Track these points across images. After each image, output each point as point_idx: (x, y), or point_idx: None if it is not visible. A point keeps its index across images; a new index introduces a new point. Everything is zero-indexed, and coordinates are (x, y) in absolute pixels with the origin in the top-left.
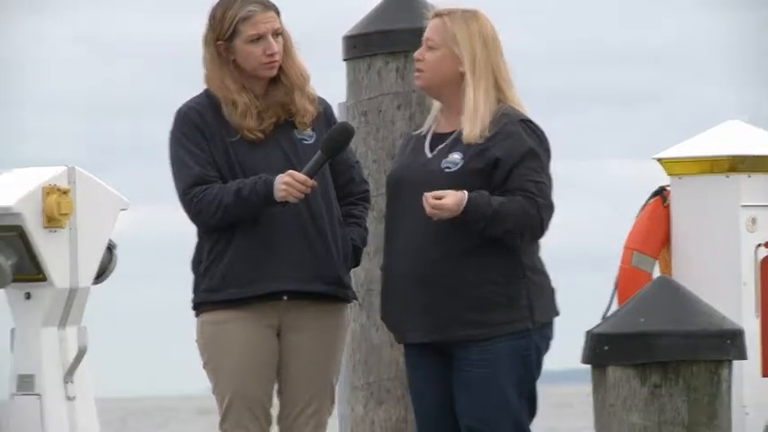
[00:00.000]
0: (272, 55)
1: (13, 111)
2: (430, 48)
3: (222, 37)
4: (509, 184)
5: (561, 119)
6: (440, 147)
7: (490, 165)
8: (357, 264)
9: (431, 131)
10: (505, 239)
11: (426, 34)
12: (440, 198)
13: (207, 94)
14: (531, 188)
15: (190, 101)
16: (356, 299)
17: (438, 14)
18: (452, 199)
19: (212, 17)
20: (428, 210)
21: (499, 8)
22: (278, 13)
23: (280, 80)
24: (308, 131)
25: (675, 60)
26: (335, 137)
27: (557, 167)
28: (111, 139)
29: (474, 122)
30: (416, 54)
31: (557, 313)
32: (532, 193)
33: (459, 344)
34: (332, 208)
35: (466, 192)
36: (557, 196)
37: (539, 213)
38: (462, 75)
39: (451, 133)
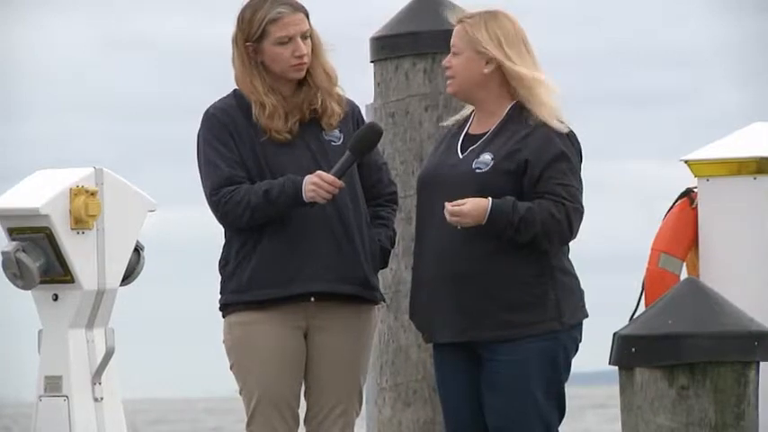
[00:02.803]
0: (300, 57)
1: (40, 113)
2: (455, 54)
3: (251, 38)
4: (539, 186)
5: (588, 120)
6: (471, 147)
7: (521, 166)
8: (385, 265)
9: (463, 132)
10: (535, 244)
11: (452, 41)
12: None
13: (235, 95)
14: (560, 192)
15: (218, 102)
16: (384, 300)
17: (460, 20)
18: (471, 205)
19: (241, 18)
20: (448, 218)
21: (526, 8)
22: (307, 14)
23: (307, 81)
24: (336, 132)
25: (703, 62)
26: (364, 137)
27: (585, 169)
28: (140, 141)
29: (535, 105)
30: (444, 62)
31: (586, 315)
32: (561, 197)
33: (487, 344)
34: (360, 209)
35: (490, 198)
36: (585, 198)
37: (567, 218)
38: (488, 76)
39: (483, 135)
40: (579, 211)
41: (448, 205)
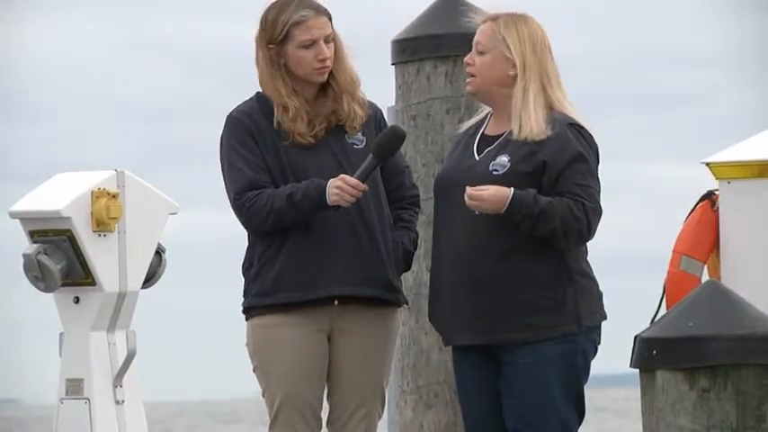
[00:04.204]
0: (323, 60)
1: (62, 114)
2: (480, 52)
3: (274, 40)
4: (557, 187)
5: (607, 122)
6: (488, 149)
7: (538, 168)
8: (408, 268)
9: (479, 134)
10: (552, 240)
11: (476, 38)
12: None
13: (257, 99)
14: (578, 192)
15: (241, 105)
16: (407, 303)
17: (488, 19)
18: (492, 191)
19: (264, 19)
20: (467, 201)
21: (548, 10)
22: (330, 18)
23: (330, 85)
24: (359, 136)
25: (724, 64)
26: (386, 141)
27: (603, 171)
28: (162, 143)
29: (525, 121)
30: (467, 59)
31: (604, 317)
32: (580, 197)
33: (505, 347)
34: (383, 212)
35: (512, 188)
36: (603, 199)
37: (586, 216)
38: (513, 78)
39: (500, 136)
40: (597, 212)
41: (469, 189)
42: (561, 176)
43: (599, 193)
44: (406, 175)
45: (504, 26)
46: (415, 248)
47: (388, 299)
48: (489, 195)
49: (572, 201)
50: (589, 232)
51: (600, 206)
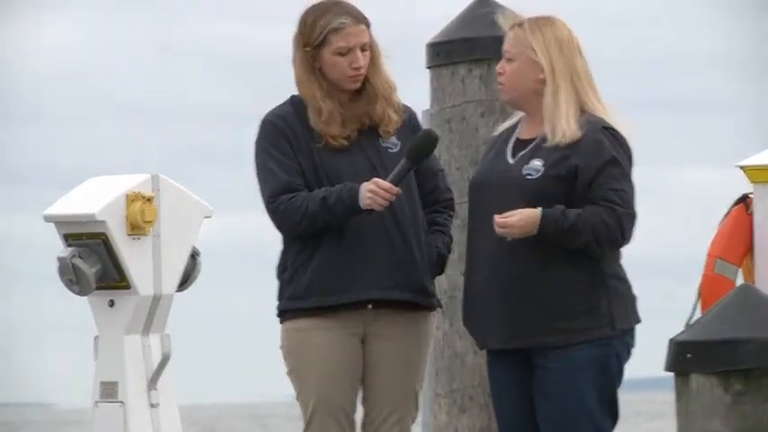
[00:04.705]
0: (357, 69)
1: (96, 118)
2: (508, 60)
3: (310, 44)
4: (591, 192)
5: (640, 125)
6: (521, 153)
7: (571, 172)
8: (442, 271)
9: (513, 137)
10: (586, 250)
11: (504, 46)
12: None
13: (292, 102)
14: (612, 197)
15: (275, 109)
16: (440, 306)
17: (514, 25)
18: (520, 216)
19: (303, 22)
20: (497, 230)
21: (577, 14)
22: (368, 25)
23: (365, 89)
24: (393, 139)
25: (757, 67)
26: (420, 145)
27: (638, 174)
28: (197, 146)
29: (557, 125)
30: (498, 68)
31: (638, 321)
32: (613, 202)
33: (538, 351)
34: (417, 216)
35: (540, 209)
36: (640, 203)
37: (618, 223)
38: (542, 82)
39: (533, 140)
40: (632, 216)
41: (497, 217)
42: (594, 182)
43: (633, 196)
44: (440, 178)
45: (529, 31)
46: (449, 252)
47: (422, 302)
48: (518, 221)
49: (604, 208)
50: (624, 238)
51: (634, 210)
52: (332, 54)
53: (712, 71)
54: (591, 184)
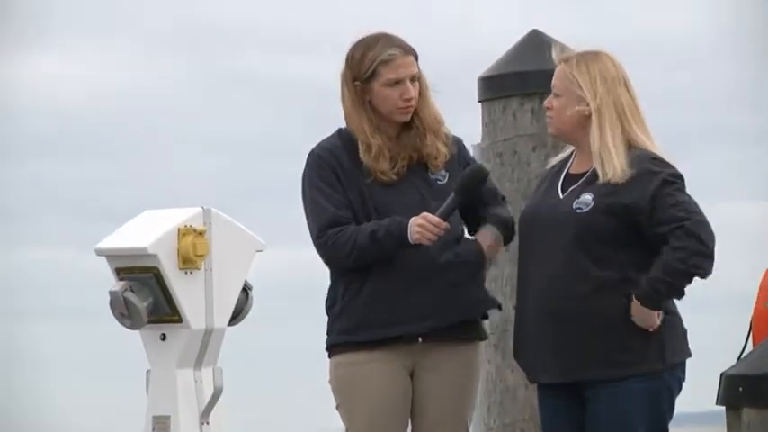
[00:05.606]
0: (408, 100)
1: (148, 152)
2: (556, 95)
3: (360, 78)
4: (654, 218)
5: (689, 159)
6: (572, 188)
7: (623, 207)
8: (512, 233)
9: (564, 172)
10: (692, 279)
11: (552, 81)
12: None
13: (339, 135)
14: (675, 214)
15: (323, 142)
16: (486, 338)
17: (561, 60)
18: (637, 316)
19: (351, 57)
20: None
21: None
22: (416, 57)
23: (414, 123)
24: (442, 172)
25: None
26: (469, 179)
27: None
28: (249, 179)
29: (607, 162)
30: (546, 103)
31: (689, 354)
32: (680, 219)
33: (590, 384)
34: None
35: (636, 302)
36: None
37: (692, 237)
38: (589, 117)
39: (584, 174)
40: (702, 222)
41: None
42: (655, 208)
43: (696, 203)
44: (499, 194)
45: (575, 66)
46: (511, 216)
47: (472, 333)
48: (640, 322)
49: (671, 238)
50: (706, 245)
51: (702, 215)
52: (382, 86)
53: None
54: (652, 212)
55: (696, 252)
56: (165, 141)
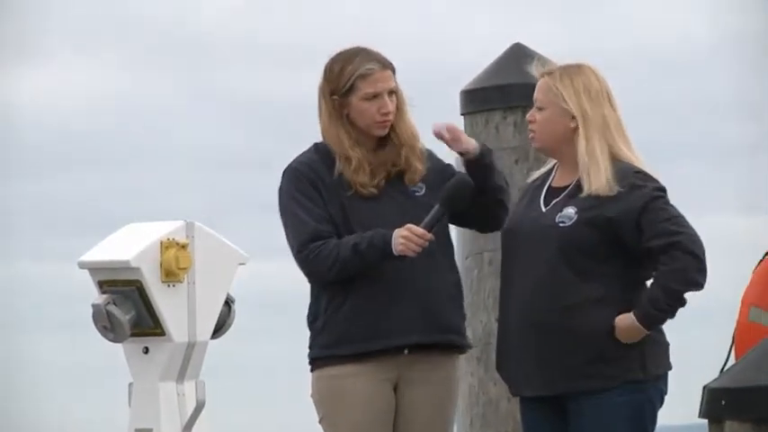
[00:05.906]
0: (386, 114)
1: (132, 165)
2: (539, 108)
3: (338, 91)
4: (644, 233)
5: (671, 171)
6: (555, 201)
7: (604, 222)
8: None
9: (547, 185)
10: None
11: (535, 95)
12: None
13: (316, 149)
14: (667, 228)
15: (300, 156)
16: (470, 347)
17: (544, 74)
18: (623, 333)
19: (329, 70)
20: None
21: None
22: (394, 71)
23: (390, 138)
24: (419, 184)
25: None
26: (454, 191)
27: None
28: (230, 192)
29: (594, 176)
30: (528, 116)
31: (670, 367)
32: (672, 233)
33: (572, 397)
34: (450, 260)
35: (634, 321)
36: None
37: (687, 255)
38: (574, 130)
39: (566, 187)
40: (695, 237)
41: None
42: (643, 224)
43: (683, 217)
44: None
45: (559, 79)
46: (505, 181)
47: (458, 344)
48: (626, 339)
49: (665, 257)
50: (700, 261)
51: (692, 228)
52: (360, 100)
53: None
54: (642, 226)
55: (693, 269)
56: (147, 154)
